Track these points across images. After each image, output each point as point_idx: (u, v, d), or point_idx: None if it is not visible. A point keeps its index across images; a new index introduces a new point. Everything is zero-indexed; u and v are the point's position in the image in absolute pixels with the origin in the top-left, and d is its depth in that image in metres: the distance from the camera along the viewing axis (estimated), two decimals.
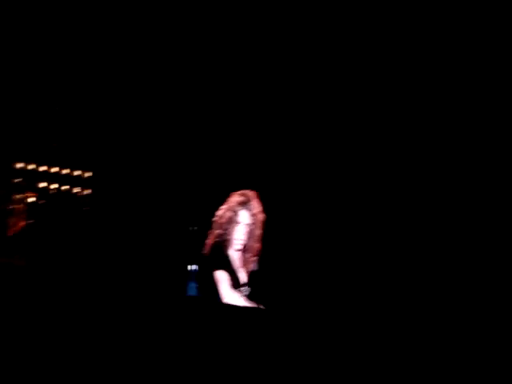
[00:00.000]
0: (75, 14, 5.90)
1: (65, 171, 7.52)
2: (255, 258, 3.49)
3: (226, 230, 3.39)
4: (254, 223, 3.41)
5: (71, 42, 6.21)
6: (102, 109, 6.71)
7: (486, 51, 4.71)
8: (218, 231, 3.41)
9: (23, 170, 7.31)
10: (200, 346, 2.50)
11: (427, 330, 2.43)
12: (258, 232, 3.43)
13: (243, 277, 3.43)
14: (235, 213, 3.39)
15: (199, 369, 2.46)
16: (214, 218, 3.44)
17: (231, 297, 3.23)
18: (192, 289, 3.85)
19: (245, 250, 3.46)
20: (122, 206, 6.50)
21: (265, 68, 5.63)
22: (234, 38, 5.67)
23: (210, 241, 3.41)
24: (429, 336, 2.38)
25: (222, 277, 3.27)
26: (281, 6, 5.36)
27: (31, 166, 7.39)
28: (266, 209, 3.47)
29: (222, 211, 3.43)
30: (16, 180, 6.72)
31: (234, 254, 3.44)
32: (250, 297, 3.36)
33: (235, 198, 3.45)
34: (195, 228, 5.61)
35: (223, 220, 3.40)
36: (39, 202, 6.56)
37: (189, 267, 4.20)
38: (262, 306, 3.31)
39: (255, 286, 3.45)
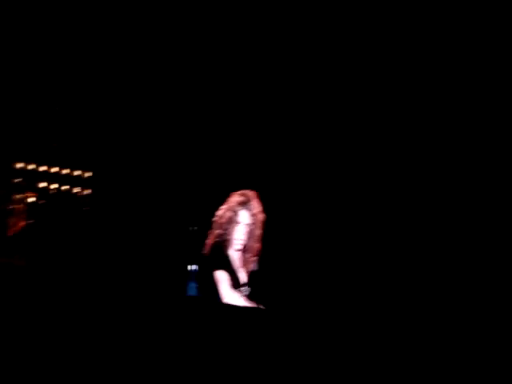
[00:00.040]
0: (73, 14, 5.90)
1: (65, 171, 7.52)
2: (255, 258, 3.49)
3: (226, 229, 3.39)
4: (254, 223, 3.41)
5: (70, 43, 6.21)
6: (102, 109, 6.72)
7: (486, 51, 4.71)
8: (218, 231, 3.40)
9: (23, 169, 7.31)
10: (200, 345, 2.50)
11: (426, 329, 2.43)
12: (258, 232, 3.43)
13: (243, 277, 3.43)
14: (235, 213, 3.39)
15: (199, 369, 2.46)
16: (214, 218, 3.44)
17: (231, 297, 3.23)
18: (192, 289, 3.86)
19: (245, 250, 3.46)
20: (121, 206, 6.50)
21: (263, 68, 5.63)
22: (233, 38, 5.67)
23: (210, 241, 3.41)
24: (428, 336, 2.38)
25: (222, 277, 3.27)
26: (280, 6, 5.37)
27: (31, 166, 7.39)
28: (265, 209, 3.47)
29: (222, 211, 3.43)
30: (16, 180, 6.72)
31: (234, 254, 3.44)
32: (250, 297, 3.36)
33: (235, 198, 3.45)
34: (195, 228, 5.61)
35: (223, 220, 3.40)
36: (39, 202, 6.56)
37: (189, 267, 4.20)
38: (261, 306, 3.31)
39: (255, 286, 3.45)
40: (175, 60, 6.03)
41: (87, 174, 7.44)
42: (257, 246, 3.45)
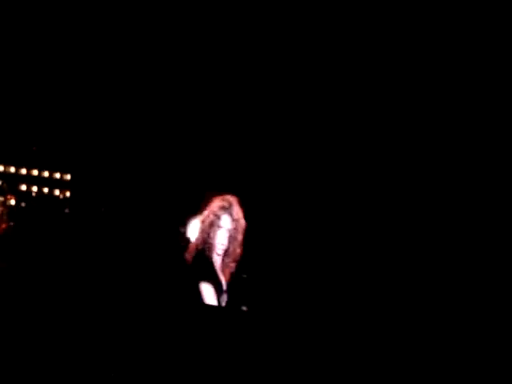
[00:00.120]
0: (65, 15, 5.86)
1: (45, 174, 7.49)
2: (235, 264, 3.50)
3: (207, 233, 3.40)
4: (235, 228, 3.43)
5: (53, 46, 6.17)
6: (83, 111, 6.69)
7: (486, 51, 4.71)
8: (200, 235, 3.43)
9: (3, 173, 7.27)
10: (200, 345, 2.50)
11: (425, 329, 2.44)
12: (240, 237, 3.45)
13: (223, 283, 3.44)
14: (217, 217, 3.42)
15: (199, 369, 2.48)
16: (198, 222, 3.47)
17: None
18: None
19: (225, 254, 3.45)
20: (102, 208, 6.48)
21: (259, 73, 5.62)
22: (231, 38, 5.65)
23: (192, 244, 3.43)
24: (427, 335, 2.40)
25: (207, 290, 3.26)
26: (280, 6, 5.34)
27: (11, 169, 7.34)
28: (247, 215, 3.50)
29: (205, 216, 3.45)
30: None
31: (216, 259, 3.46)
32: (229, 302, 3.37)
33: (217, 202, 3.47)
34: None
35: (205, 224, 3.42)
36: (20, 205, 6.53)
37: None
38: (245, 308, 3.34)
39: (236, 291, 3.46)
40: (162, 62, 6.01)
41: (67, 177, 7.42)
42: (238, 251, 3.46)
